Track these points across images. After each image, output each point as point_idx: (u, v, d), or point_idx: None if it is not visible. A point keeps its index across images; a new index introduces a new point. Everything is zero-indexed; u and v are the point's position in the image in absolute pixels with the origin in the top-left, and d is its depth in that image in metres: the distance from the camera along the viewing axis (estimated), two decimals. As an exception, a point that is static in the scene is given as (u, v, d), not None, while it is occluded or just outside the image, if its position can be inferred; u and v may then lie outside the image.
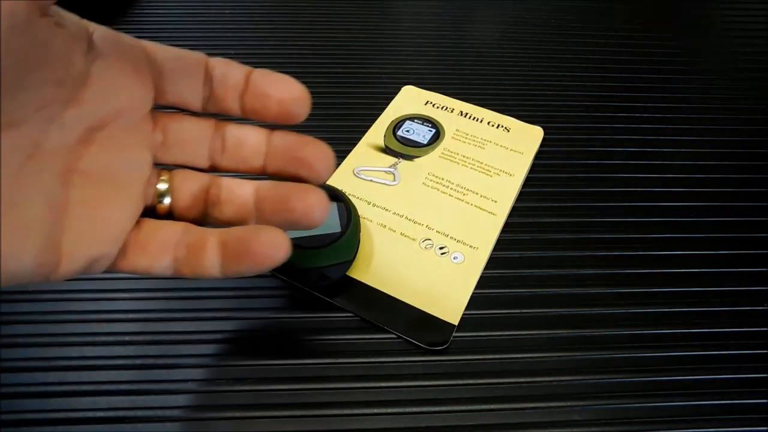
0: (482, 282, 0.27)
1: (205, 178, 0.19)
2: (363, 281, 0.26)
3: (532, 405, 0.23)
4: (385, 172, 0.31)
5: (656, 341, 0.25)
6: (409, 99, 0.36)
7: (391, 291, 0.26)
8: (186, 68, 0.18)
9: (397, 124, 0.34)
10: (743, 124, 0.36)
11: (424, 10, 0.45)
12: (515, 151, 0.33)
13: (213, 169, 0.19)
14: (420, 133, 0.33)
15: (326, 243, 0.25)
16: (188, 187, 0.19)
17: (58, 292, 0.26)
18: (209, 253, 0.17)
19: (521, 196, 0.31)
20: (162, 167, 0.19)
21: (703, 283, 0.27)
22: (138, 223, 0.18)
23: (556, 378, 0.24)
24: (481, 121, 0.34)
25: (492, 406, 0.23)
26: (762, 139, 0.35)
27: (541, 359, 0.24)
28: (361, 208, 0.29)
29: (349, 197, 0.28)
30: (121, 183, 0.17)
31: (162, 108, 0.19)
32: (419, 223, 0.29)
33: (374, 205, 0.29)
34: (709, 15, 0.46)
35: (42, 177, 0.15)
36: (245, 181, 0.19)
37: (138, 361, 0.24)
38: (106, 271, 0.17)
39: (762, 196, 0.32)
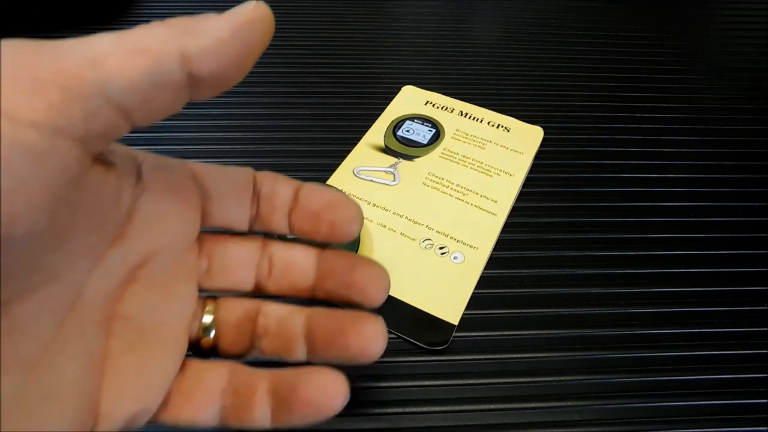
0: (482, 282, 0.27)
1: (251, 306, 0.17)
2: (363, 281, 0.26)
3: (532, 405, 0.23)
4: (385, 172, 0.31)
5: (656, 341, 0.25)
6: (409, 99, 0.36)
7: (391, 291, 0.26)
8: (234, 188, 0.17)
9: (397, 124, 0.34)
10: (743, 124, 0.36)
11: (424, 10, 0.45)
12: (515, 151, 0.33)
13: (259, 292, 0.18)
14: (420, 133, 0.33)
15: (326, 243, 0.25)
16: (234, 319, 0.17)
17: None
18: (258, 402, 0.15)
19: (521, 196, 0.31)
20: (206, 295, 0.17)
21: (703, 283, 0.27)
22: (182, 366, 0.16)
23: (556, 378, 0.24)
24: (481, 121, 0.34)
25: (492, 406, 0.23)
26: (762, 139, 0.35)
27: (541, 359, 0.24)
28: (362, 208, 0.29)
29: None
30: (166, 325, 0.15)
31: (206, 230, 0.17)
32: (419, 223, 0.29)
33: (374, 205, 0.29)
34: (709, 15, 0.46)
35: (83, 330, 0.13)
36: (295, 309, 0.17)
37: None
38: (147, 423, 0.15)
39: (762, 196, 0.32)
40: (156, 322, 0.15)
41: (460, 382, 0.24)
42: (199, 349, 0.17)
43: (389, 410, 0.23)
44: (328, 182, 0.30)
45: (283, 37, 0.41)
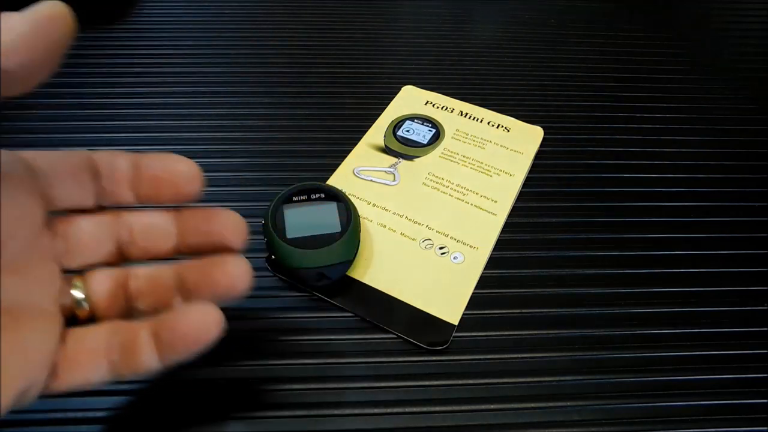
0: (482, 282, 0.27)
1: (120, 273, 0.18)
2: (363, 281, 0.26)
3: (532, 405, 0.23)
4: (385, 172, 0.31)
5: (656, 341, 0.25)
6: (409, 99, 0.36)
7: (391, 291, 0.26)
8: (70, 170, 0.17)
9: (397, 124, 0.34)
10: (743, 124, 0.36)
11: (424, 10, 0.45)
12: (515, 151, 0.33)
13: (124, 260, 0.19)
14: (420, 133, 0.33)
15: (326, 243, 0.25)
16: (105, 288, 0.18)
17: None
18: (144, 348, 0.17)
19: (521, 196, 0.31)
20: (73, 272, 0.18)
21: (704, 283, 0.27)
22: (62, 337, 0.17)
23: (556, 378, 0.24)
24: (481, 121, 0.34)
25: (492, 406, 0.23)
26: (762, 139, 0.35)
27: (541, 359, 0.24)
28: (361, 208, 0.29)
29: (349, 197, 0.28)
30: (33, 305, 0.16)
31: (55, 213, 0.18)
32: (419, 223, 0.29)
33: (374, 205, 0.29)
34: (709, 15, 0.46)
35: None
36: (163, 266, 0.18)
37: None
38: (41, 397, 0.16)
39: (762, 196, 0.32)
40: (22, 303, 0.16)
41: (460, 382, 0.24)
42: (77, 320, 0.18)
43: (389, 410, 0.23)
44: (328, 182, 0.31)
45: (283, 37, 0.41)
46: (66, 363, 0.16)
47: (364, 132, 0.34)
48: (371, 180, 0.31)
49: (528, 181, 0.32)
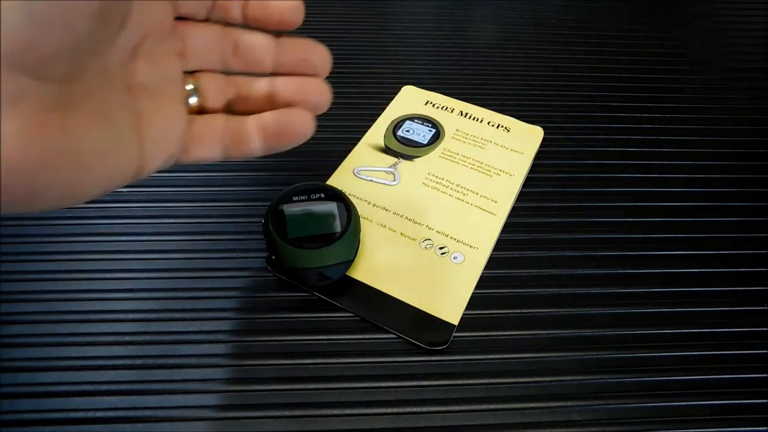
0: (482, 282, 0.27)
1: (223, 78, 0.21)
2: (363, 281, 0.26)
3: (532, 405, 0.23)
4: (385, 172, 0.31)
5: (656, 341, 0.25)
6: (409, 99, 0.36)
7: (391, 291, 0.26)
8: None
9: (397, 124, 0.34)
10: (743, 124, 0.36)
11: (424, 10, 0.45)
12: (515, 151, 0.33)
13: (227, 70, 0.21)
14: (420, 133, 0.33)
15: (326, 243, 0.25)
16: (212, 87, 0.21)
17: (58, 292, 0.26)
18: (252, 137, 0.20)
19: (521, 196, 0.31)
20: (185, 72, 0.21)
21: (704, 283, 0.27)
22: (188, 121, 0.20)
23: (556, 378, 0.24)
24: (481, 121, 0.34)
25: (492, 406, 0.23)
26: (762, 139, 0.35)
27: (541, 359, 0.24)
28: (361, 208, 0.29)
29: (349, 197, 0.28)
30: (169, 90, 0.19)
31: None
32: (419, 223, 0.29)
33: (374, 205, 0.29)
34: (708, 15, 0.46)
35: (117, 95, 0.17)
36: (260, 78, 0.21)
37: (138, 361, 0.24)
38: (174, 164, 0.20)
39: (762, 196, 0.32)
40: (162, 87, 0.19)
41: (460, 382, 0.24)
42: (191, 108, 0.21)
43: (389, 410, 0.23)
44: (328, 182, 0.30)
45: (283, 37, 0.41)
46: (193, 142, 0.20)
47: (364, 132, 0.34)
48: (371, 180, 0.31)
49: (528, 181, 0.32)
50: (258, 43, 0.21)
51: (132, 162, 0.18)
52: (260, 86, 0.21)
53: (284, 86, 0.21)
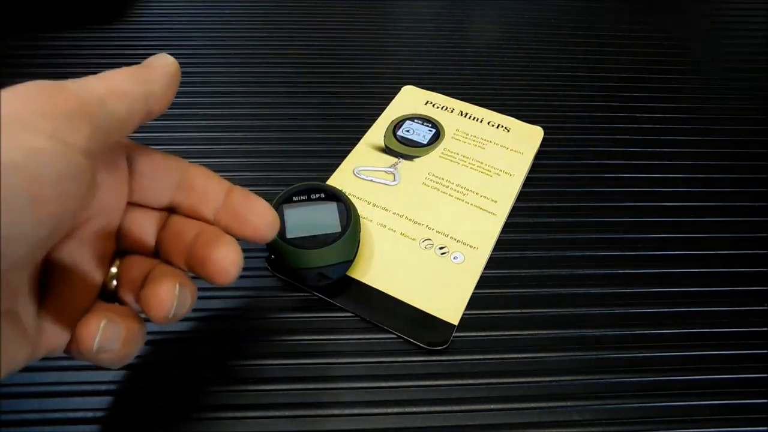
0: (482, 282, 0.27)
1: (150, 264, 0.19)
2: (363, 281, 0.26)
3: (532, 405, 0.23)
4: (385, 172, 0.31)
5: (656, 341, 0.25)
6: (409, 99, 0.36)
7: (391, 291, 0.26)
8: (162, 174, 0.19)
9: (397, 124, 0.34)
10: (743, 124, 0.36)
11: (424, 10, 0.45)
12: (515, 151, 0.33)
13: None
14: (420, 133, 0.33)
15: (326, 243, 0.25)
16: (132, 274, 0.19)
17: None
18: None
19: (521, 196, 0.31)
20: (117, 252, 0.20)
21: (703, 283, 0.27)
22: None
23: (556, 378, 0.24)
24: (481, 121, 0.34)
25: (492, 406, 0.23)
26: (762, 139, 0.35)
27: (541, 359, 0.24)
28: (361, 208, 0.29)
29: (349, 197, 0.28)
30: (87, 275, 0.18)
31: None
32: (419, 223, 0.29)
33: (374, 205, 0.29)
34: (709, 15, 0.46)
35: (23, 273, 0.16)
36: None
37: (137, 361, 0.24)
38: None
39: (762, 196, 0.32)
40: (80, 271, 0.18)
41: (460, 382, 0.24)
42: (105, 293, 0.19)
43: (389, 410, 0.23)
44: (328, 182, 0.31)
45: (283, 37, 0.41)
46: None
47: (364, 132, 0.34)
48: (371, 180, 0.31)
49: (528, 181, 0.32)
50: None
51: (26, 349, 0.17)
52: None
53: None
